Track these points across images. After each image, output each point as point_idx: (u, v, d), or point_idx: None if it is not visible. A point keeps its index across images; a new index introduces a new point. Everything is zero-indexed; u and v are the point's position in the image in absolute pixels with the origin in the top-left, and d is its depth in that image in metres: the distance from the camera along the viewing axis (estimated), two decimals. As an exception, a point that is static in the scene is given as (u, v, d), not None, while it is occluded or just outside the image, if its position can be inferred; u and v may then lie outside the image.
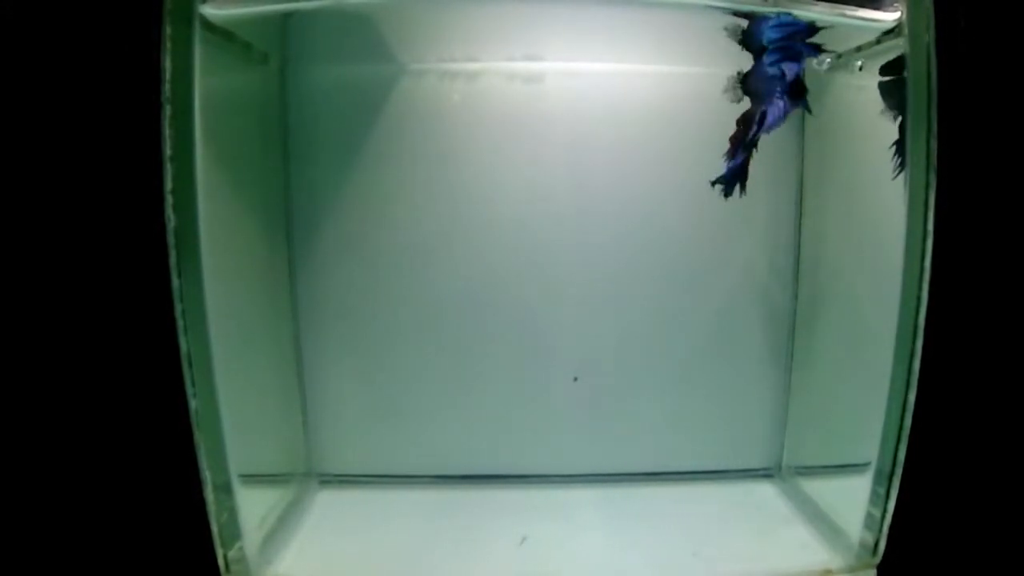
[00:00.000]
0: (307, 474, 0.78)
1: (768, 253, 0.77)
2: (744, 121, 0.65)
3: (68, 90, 0.67)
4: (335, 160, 0.74)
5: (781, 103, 0.63)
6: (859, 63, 0.64)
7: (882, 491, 0.59)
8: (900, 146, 0.56)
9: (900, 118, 0.56)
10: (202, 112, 0.51)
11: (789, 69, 0.62)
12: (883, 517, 0.60)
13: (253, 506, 0.60)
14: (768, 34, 0.61)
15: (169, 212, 0.52)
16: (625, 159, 0.74)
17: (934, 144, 0.55)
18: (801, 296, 0.77)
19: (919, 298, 0.56)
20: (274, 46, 0.70)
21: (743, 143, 0.65)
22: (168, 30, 0.51)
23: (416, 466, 0.79)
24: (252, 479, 0.61)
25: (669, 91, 0.74)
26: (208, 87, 0.52)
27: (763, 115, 0.63)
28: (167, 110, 0.51)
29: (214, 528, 0.57)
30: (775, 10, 0.58)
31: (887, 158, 0.58)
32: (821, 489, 0.73)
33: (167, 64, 0.51)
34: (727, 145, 0.74)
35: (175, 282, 0.52)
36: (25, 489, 0.70)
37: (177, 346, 0.53)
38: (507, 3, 0.71)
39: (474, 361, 0.77)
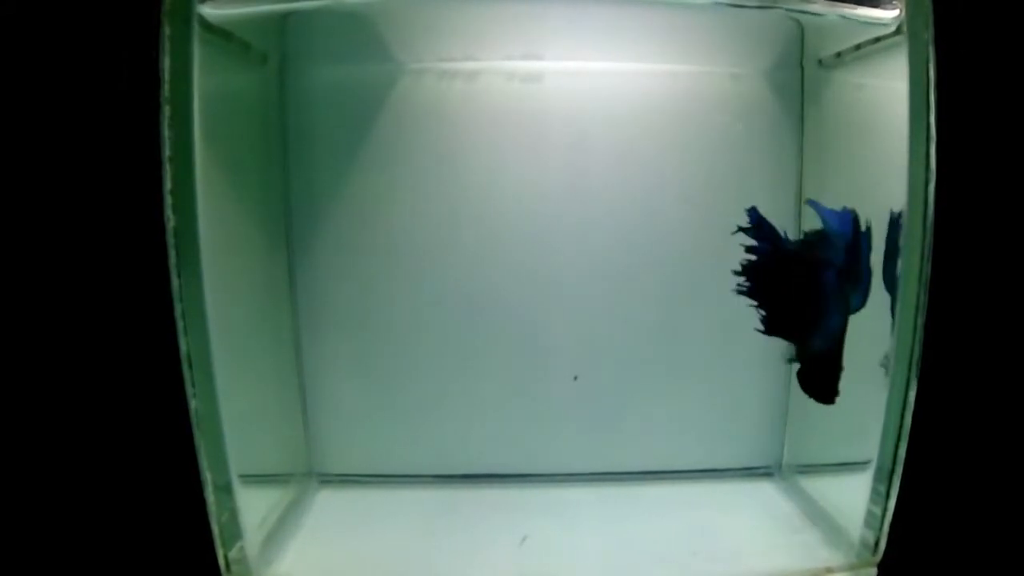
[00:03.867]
0: (307, 474, 0.78)
1: (768, 252, 0.77)
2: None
3: (68, 90, 0.67)
4: (334, 160, 0.74)
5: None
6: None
7: (883, 489, 0.59)
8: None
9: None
10: (201, 112, 0.51)
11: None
12: (884, 515, 0.60)
13: (253, 506, 0.60)
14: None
15: (168, 212, 0.52)
16: (624, 158, 0.74)
17: (933, 143, 0.54)
18: (801, 294, 0.77)
19: (919, 297, 0.56)
20: (273, 46, 0.70)
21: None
22: (167, 30, 0.51)
23: (416, 465, 0.79)
24: (252, 479, 0.61)
25: (668, 90, 0.74)
26: (207, 87, 0.52)
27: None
28: (166, 110, 0.51)
29: (215, 528, 0.57)
30: (771, 6, 0.58)
31: (886, 157, 0.58)
32: (821, 487, 0.73)
33: (166, 64, 0.51)
34: (726, 146, 0.74)
35: (175, 282, 0.52)
36: (25, 489, 0.70)
37: (177, 346, 0.53)
38: (507, 3, 0.71)
39: (474, 360, 0.77)
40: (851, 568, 0.62)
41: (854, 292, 0.60)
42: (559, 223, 0.75)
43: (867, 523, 0.61)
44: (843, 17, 0.58)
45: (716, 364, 0.78)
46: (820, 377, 0.61)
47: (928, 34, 0.54)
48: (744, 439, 0.81)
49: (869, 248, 0.59)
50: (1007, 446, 0.72)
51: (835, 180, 0.71)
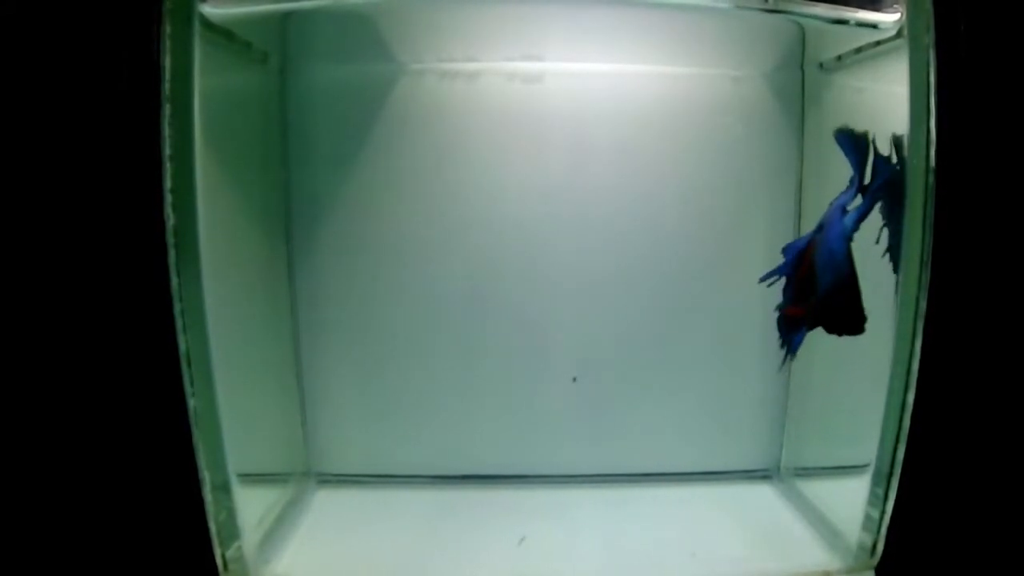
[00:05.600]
0: (305, 473, 0.78)
1: (767, 252, 0.76)
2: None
3: (68, 89, 0.67)
4: (335, 160, 0.74)
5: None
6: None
7: (880, 492, 0.60)
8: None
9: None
10: (202, 111, 0.51)
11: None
12: (881, 518, 0.60)
13: (251, 505, 0.60)
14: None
15: (168, 211, 0.52)
16: (624, 159, 0.74)
17: (933, 147, 0.55)
18: (800, 297, 0.77)
19: (918, 298, 0.56)
20: (274, 45, 0.70)
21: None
22: (168, 29, 0.51)
23: (414, 466, 0.79)
24: (250, 478, 0.61)
25: (669, 92, 0.74)
26: (208, 86, 0.52)
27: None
28: (167, 109, 0.51)
29: (212, 527, 0.57)
30: (772, 10, 0.58)
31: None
32: (819, 490, 0.73)
33: (167, 63, 0.51)
34: (726, 148, 0.74)
35: (174, 281, 0.52)
36: (25, 489, 0.70)
37: (176, 345, 0.53)
38: (507, 3, 0.71)
39: (473, 361, 0.77)
40: (849, 571, 0.62)
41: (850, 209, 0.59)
42: (559, 224, 0.75)
43: (865, 526, 0.61)
44: (844, 21, 0.58)
45: (715, 366, 0.78)
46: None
47: (929, 38, 0.54)
48: (742, 441, 0.81)
49: (885, 163, 0.57)
50: (1006, 448, 0.72)
51: (835, 183, 0.71)
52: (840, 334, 0.59)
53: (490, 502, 0.76)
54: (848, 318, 0.59)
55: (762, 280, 0.62)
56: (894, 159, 0.56)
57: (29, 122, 0.68)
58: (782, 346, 0.62)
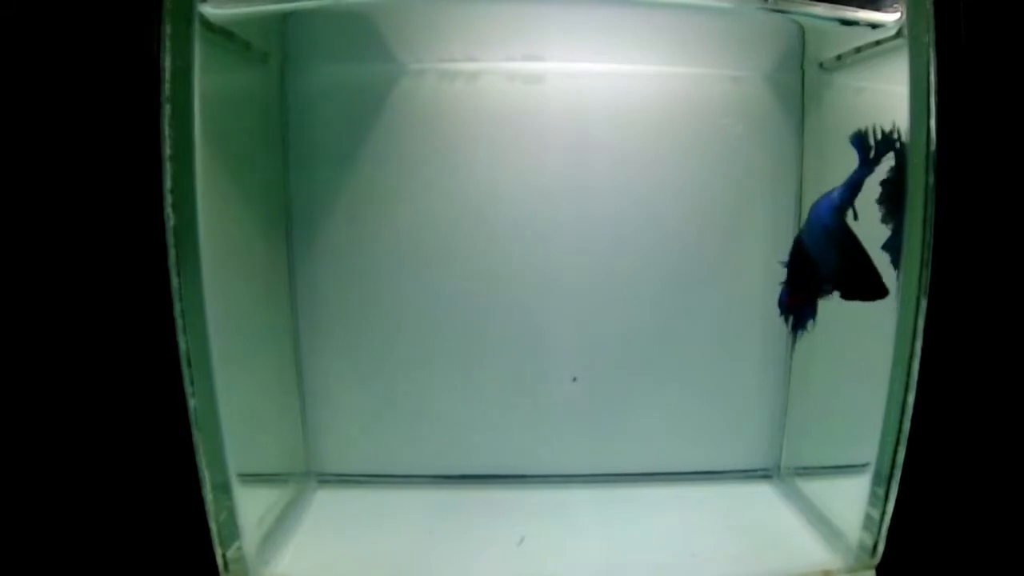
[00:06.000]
0: (306, 473, 0.78)
1: (768, 253, 0.77)
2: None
3: (68, 89, 0.67)
4: (335, 160, 0.74)
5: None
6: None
7: (881, 492, 0.60)
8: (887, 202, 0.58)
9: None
10: (202, 111, 0.51)
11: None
12: (882, 518, 0.60)
13: (251, 505, 0.60)
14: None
15: (168, 211, 0.52)
16: (625, 159, 0.74)
17: (933, 146, 0.55)
18: (800, 297, 0.77)
19: (918, 299, 0.56)
20: (274, 45, 0.70)
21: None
22: (168, 29, 0.51)
23: (415, 466, 0.79)
24: (251, 478, 0.61)
25: (669, 91, 0.74)
26: (208, 86, 0.52)
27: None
28: (167, 109, 0.51)
29: (213, 527, 0.57)
30: (772, 10, 0.58)
31: (886, 161, 0.58)
32: (820, 490, 0.73)
33: (167, 63, 0.51)
34: (727, 148, 0.74)
35: (174, 281, 0.52)
36: (25, 489, 0.70)
37: (176, 345, 0.53)
38: (507, 3, 0.71)
39: (474, 361, 0.77)
40: (849, 571, 0.62)
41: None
42: (559, 224, 0.75)
43: (865, 526, 0.61)
44: (844, 20, 0.58)
45: (715, 366, 0.78)
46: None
47: (929, 37, 0.54)
48: (742, 441, 0.80)
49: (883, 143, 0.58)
50: (1007, 448, 0.72)
51: (835, 183, 0.71)
52: (867, 300, 0.60)
53: (490, 502, 0.76)
54: (867, 284, 0.59)
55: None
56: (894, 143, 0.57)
57: (29, 122, 0.68)
58: (786, 321, 0.66)
